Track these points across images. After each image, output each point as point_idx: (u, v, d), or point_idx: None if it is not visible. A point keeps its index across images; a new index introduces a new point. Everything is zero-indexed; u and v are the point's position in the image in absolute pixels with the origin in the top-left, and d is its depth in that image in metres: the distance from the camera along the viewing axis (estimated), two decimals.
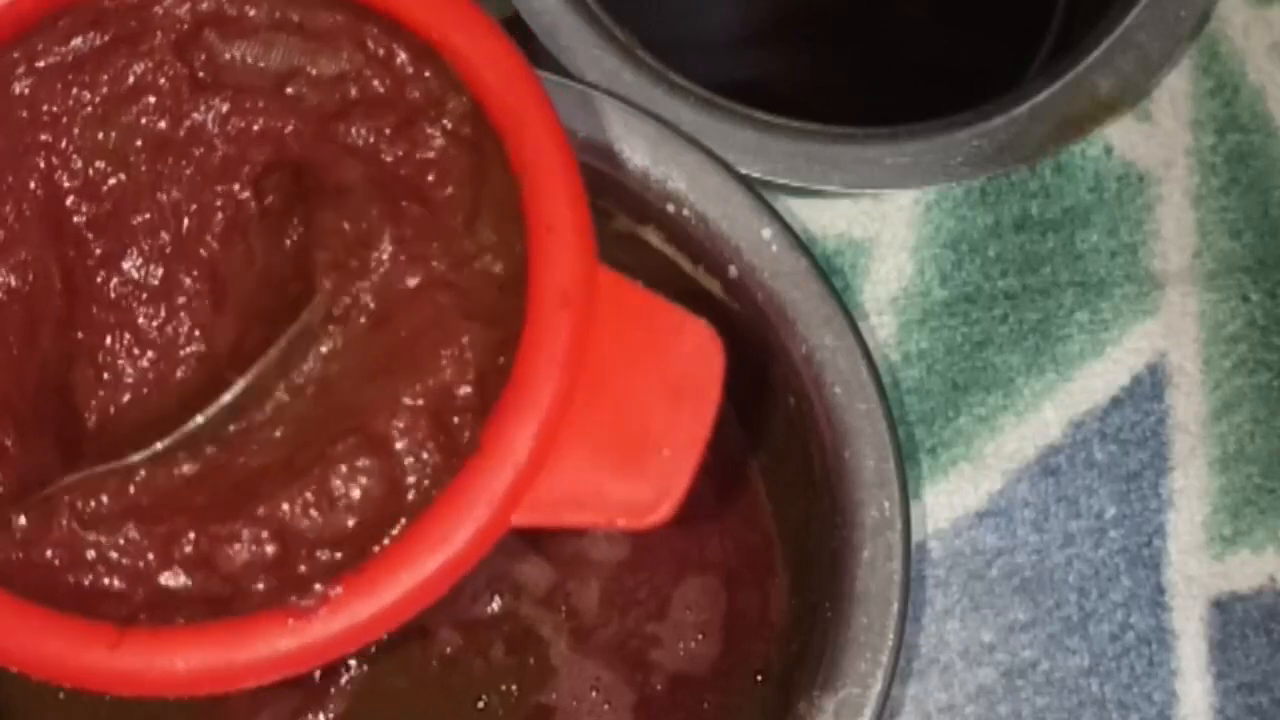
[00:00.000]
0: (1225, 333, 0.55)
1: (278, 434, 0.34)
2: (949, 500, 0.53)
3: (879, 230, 0.54)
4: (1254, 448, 0.55)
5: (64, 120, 0.35)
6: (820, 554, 0.45)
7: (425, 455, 0.33)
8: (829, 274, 0.45)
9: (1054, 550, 0.53)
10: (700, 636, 0.48)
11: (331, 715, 0.48)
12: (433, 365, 0.33)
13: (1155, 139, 0.56)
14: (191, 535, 0.32)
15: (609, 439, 0.33)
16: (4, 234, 0.34)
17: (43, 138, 0.35)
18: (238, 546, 0.32)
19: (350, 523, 0.33)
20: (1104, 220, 0.55)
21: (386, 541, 0.33)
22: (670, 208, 0.44)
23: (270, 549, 0.32)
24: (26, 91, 0.34)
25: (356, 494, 0.32)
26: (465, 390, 0.33)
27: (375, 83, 0.35)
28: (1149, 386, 0.55)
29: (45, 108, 0.35)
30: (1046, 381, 0.54)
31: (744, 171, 0.45)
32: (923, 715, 0.53)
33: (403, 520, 0.33)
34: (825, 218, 0.54)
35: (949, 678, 0.53)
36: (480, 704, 0.48)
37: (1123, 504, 0.54)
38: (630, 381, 0.34)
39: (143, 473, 0.33)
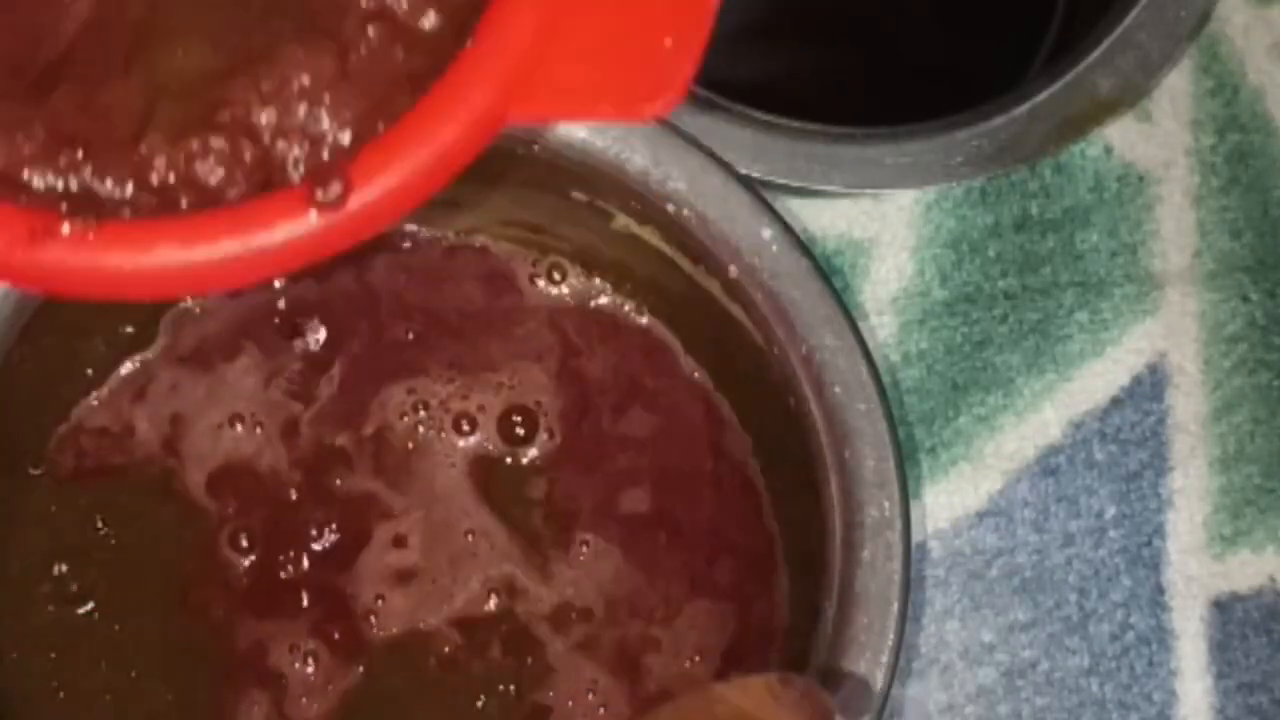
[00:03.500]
0: (1225, 333, 0.55)
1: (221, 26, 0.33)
2: (949, 500, 0.53)
3: (879, 230, 0.54)
4: (1254, 448, 0.55)
5: None
6: (820, 554, 0.45)
7: (389, 48, 0.32)
8: (829, 274, 0.45)
9: (1054, 550, 0.53)
10: (697, 658, 0.48)
11: (328, 714, 0.48)
12: None
13: (1155, 139, 0.56)
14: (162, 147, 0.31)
15: (609, 28, 0.32)
16: None
17: None
18: (213, 147, 0.31)
19: (326, 119, 0.31)
20: (1104, 220, 0.55)
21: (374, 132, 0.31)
22: (670, 208, 0.44)
23: (247, 154, 0.31)
24: None
25: (313, 77, 0.31)
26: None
27: None
28: (1149, 386, 0.55)
29: None
30: (1046, 381, 0.54)
31: (744, 171, 0.45)
32: (923, 715, 0.53)
33: (382, 113, 0.32)
34: (825, 218, 0.54)
35: (949, 678, 0.53)
36: (478, 704, 0.48)
37: (1123, 504, 0.54)
38: None
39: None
